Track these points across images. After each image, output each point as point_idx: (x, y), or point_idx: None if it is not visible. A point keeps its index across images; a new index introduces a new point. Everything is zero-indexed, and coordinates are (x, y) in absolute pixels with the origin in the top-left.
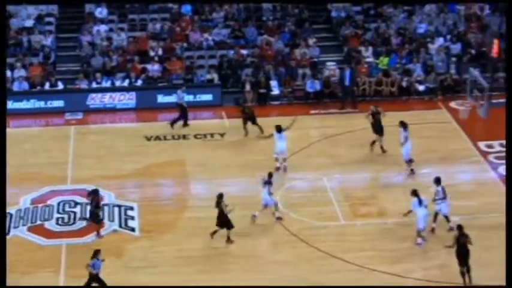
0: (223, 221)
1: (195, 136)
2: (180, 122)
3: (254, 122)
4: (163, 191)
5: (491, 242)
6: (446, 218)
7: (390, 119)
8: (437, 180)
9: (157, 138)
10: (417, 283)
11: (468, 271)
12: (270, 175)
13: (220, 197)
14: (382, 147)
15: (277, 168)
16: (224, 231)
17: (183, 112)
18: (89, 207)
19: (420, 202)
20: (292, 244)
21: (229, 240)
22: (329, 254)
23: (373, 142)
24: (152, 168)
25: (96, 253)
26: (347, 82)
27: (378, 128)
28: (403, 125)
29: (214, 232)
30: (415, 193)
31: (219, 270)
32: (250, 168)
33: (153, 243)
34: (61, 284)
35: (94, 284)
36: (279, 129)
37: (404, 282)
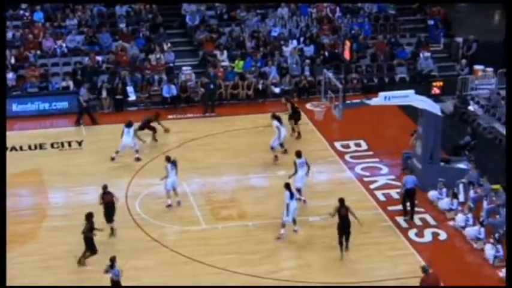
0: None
1: (52, 145)
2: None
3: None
4: (21, 201)
5: (350, 240)
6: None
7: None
8: (298, 154)
9: (13, 148)
10: (276, 283)
11: (347, 239)
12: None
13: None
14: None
15: (112, 159)
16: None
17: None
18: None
19: (292, 195)
20: (153, 250)
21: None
22: (191, 258)
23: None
24: (9, 179)
25: (113, 260)
26: (212, 85)
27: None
28: (276, 117)
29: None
30: (287, 186)
31: (80, 280)
32: (109, 176)
33: (13, 255)
34: None
35: None
36: (129, 124)
37: (264, 283)
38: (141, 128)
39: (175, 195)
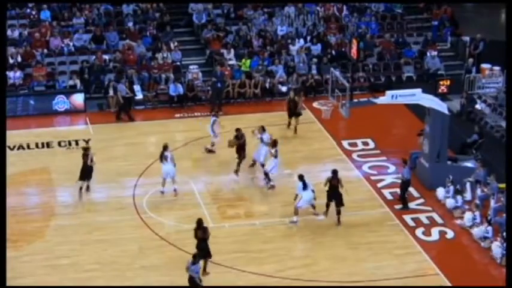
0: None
1: (59, 144)
2: None
3: None
4: (29, 199)
5: (357, 239)
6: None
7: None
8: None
9: (21, 147)
10: (283, 282)
11: (338, 213)
12: (165, 146)
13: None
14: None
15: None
16: None
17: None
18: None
19: (305, 186)
20: (160, 248)
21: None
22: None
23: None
24: (16, 177)
25: (195, 256)
26: (219, 84)
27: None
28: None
29: None
30: (301, 178)
31: (86, 278)
32: (116, 174)
33: (20, 253)
34: None
35: None
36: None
37: (272, 282)
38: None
39: (172, 183)
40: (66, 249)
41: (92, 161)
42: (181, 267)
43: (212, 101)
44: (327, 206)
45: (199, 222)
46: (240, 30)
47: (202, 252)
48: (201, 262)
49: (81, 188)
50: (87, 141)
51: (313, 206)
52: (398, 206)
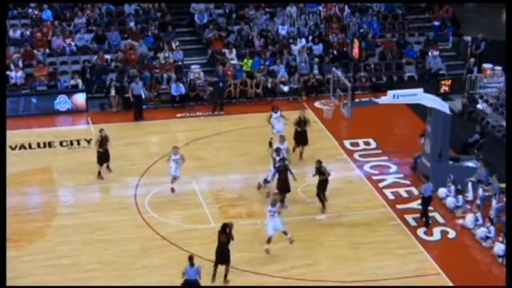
0: None
1: (61, 143)
2: None
3: None
4: (30, 199)
5: (358, 239)
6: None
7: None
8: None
9: (22, 147)
10: (285, 282)
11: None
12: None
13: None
14: (301, 154)
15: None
16: None
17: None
18: None
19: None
20: (162, 248)
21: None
22: (199, 257)
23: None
24: (18, 177)
25: (191, 259)
26: (221, 84)
27: (303, 138)
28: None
29: None
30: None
31: (87, 278)
32: (118, 174)
33: (22, 253)
34: None
35: None
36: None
37: (273, 282)
38: None
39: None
40: (67, 249)
41: (102, 145)
42: (182, 267)
43: (213, 101)
44: (320, 199)
45: (224, 226)
46: (241, 30)
47: (222, 257)
48: (221, 267)
49: (99, 173)
50: (88, 141)
51: (285, 232)
52: (422, 230)
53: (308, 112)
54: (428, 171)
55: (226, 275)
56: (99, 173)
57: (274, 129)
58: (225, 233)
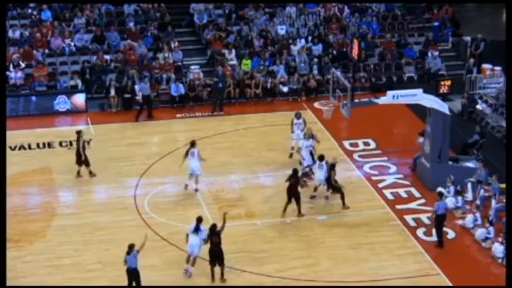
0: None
1: (61, 144)
2: None
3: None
4: (31, 199)
5: (358, 239)
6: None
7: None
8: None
9: (22, 147)
10: (284, 282)
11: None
12: (193, 143)
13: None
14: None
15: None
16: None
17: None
18: None
19: (197, 229)
20: (161, 249)
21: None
22: (199, 257)
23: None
24: (18, 177)
25: (131, 247)
26: (221, 84)
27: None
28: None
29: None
30: (198, 220)
31: (88, 278)
32: (118, 175)
33: (22, 253)
34: None
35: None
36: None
37: (272, 282)
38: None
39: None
40: (68, 249)
41: (83, 147)
42: (182, 267)
43: (213, 101)
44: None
45: (213, 227)
46: (241, 31)
47: (216, 257)
48: (217, 268)
49: (78, 172)
50: (88, 142)
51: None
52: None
53: (308, 112)
54: (428, 171)
55: (222, 274)
56: (79, 172)
57: (293, 134)
58: (216, 234)
